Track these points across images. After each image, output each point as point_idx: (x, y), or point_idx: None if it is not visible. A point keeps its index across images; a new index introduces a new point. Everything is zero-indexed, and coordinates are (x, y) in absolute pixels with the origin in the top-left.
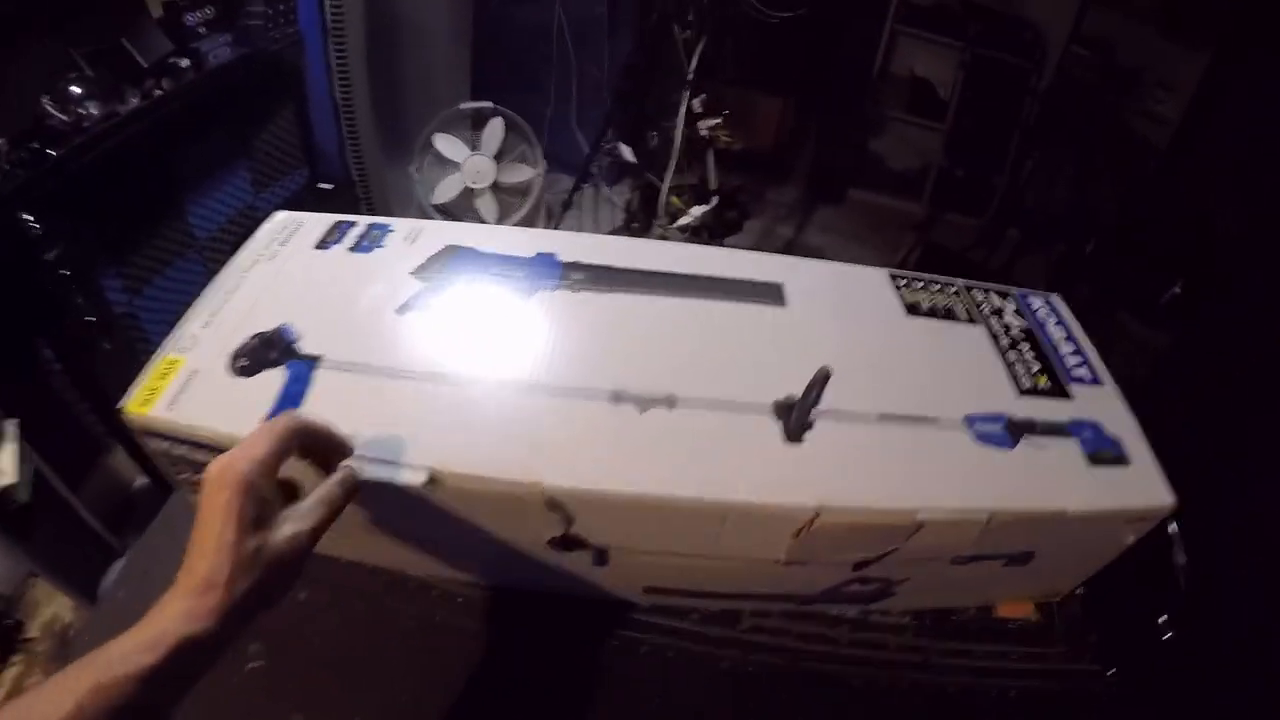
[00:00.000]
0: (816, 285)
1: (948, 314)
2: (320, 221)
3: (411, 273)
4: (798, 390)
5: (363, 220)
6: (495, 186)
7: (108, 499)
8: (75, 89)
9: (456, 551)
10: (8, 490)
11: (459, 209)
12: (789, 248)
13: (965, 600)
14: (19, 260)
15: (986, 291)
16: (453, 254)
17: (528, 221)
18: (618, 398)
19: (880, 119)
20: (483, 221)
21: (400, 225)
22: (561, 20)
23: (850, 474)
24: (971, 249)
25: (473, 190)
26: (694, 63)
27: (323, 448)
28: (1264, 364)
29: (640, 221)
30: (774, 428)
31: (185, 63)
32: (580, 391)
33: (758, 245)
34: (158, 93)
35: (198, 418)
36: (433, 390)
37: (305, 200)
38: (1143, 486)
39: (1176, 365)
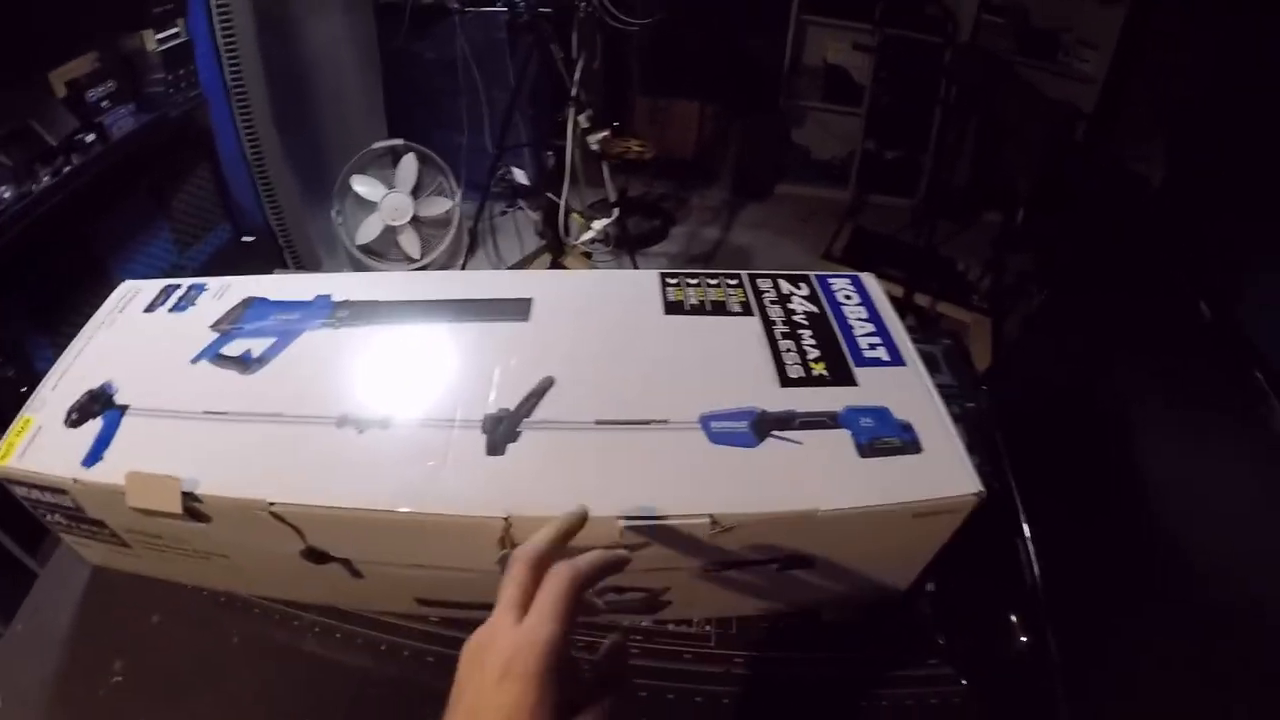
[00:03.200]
0: (571, 295)
1: (717, 308)
2: (153, 287)
3: (210, 325)
4: (514, 405)
5: (185, 282)
6: (416, 221)
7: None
8: None
9: (258, 570)
10: None
11: (383, 247)
12: (715, 250)
13: (768, 608)
14: None
15: (774, 280)
16: (246, 305)
17: (451, 250)
18: (342, 422)
19: (798, 111)
20: (409, 259)
21: (213, 283)
22: (464, 50)
23: (549, 484)
24: (903, 230)
25: (393, 228)
26: (575, 79)
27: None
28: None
29: (550, 240)
30: (480, 441)
31: (91, 137)
32: (313, 418)
33: (683, 251)
34: (68, 169)
35: (37, 464)
36: (202, 427)
37: (230, 254)
38: (935, 476)
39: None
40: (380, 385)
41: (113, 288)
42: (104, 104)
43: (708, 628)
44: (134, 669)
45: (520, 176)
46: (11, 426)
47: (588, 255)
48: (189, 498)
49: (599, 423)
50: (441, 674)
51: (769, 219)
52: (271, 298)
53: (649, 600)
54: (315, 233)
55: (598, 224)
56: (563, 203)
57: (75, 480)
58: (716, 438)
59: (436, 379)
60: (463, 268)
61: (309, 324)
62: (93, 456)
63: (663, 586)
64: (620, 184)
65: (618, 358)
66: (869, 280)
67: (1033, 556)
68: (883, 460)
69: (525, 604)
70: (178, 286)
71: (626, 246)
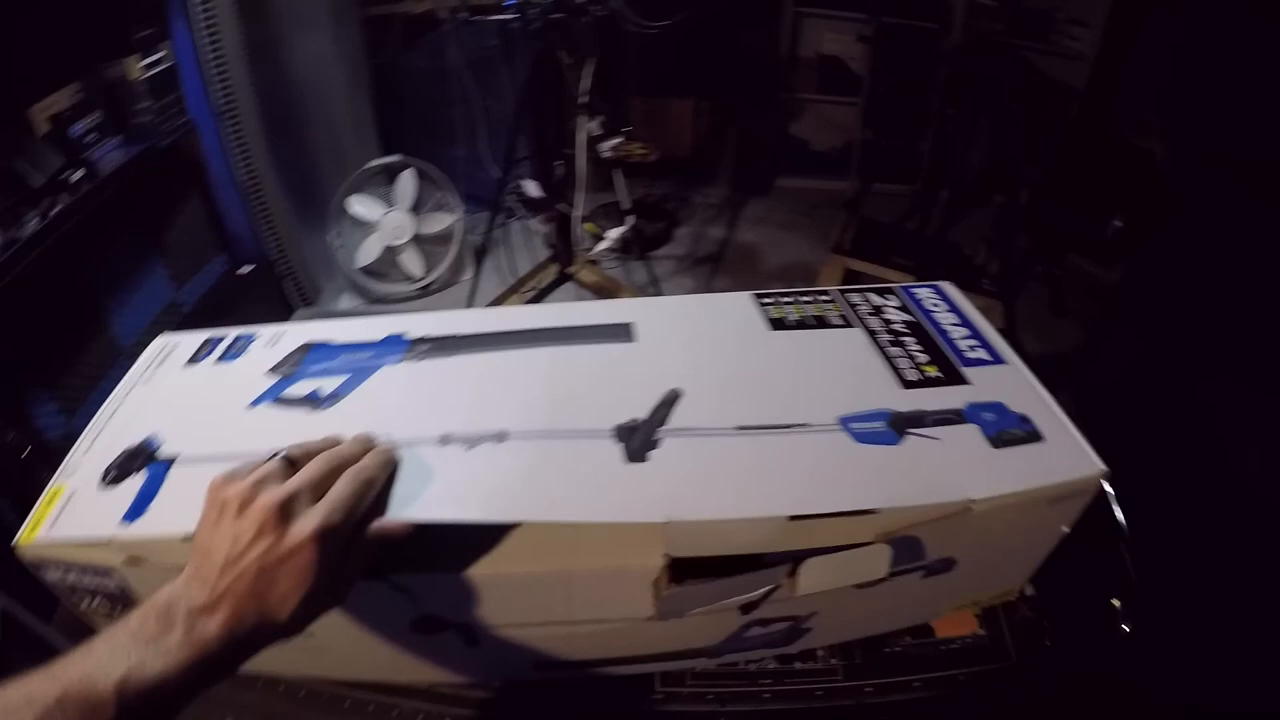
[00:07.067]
0: (671, 318)
1: (820, 323)
2: (193, 340)
3: (268, 370)
4: (643, 416)
5: (230, 332)
6: (417, 239)
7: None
8: None
9: (350, 649)
10: None
11: (385, 268)
12: (723, 249)
13: (896, 624)
14: None
15: (864, 293)
16: (306, 350)
17: (455, 267)
18: (445, 440)
19: (795, 103)
20: (411, 278)
21: (265, 331)
22: (457, 59)
23: (704, 488)
24: (907, 217)
25: (394, 247)
26: (583, 86)
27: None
28: (1216, 290)
29: (561, 251)
30: (615, 450)
31: (78, 174)
32: (409, 441)
33: (690, 252)
34: (56, 210)
35: (70, 530)
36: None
37: (228, 286)
38: (1061, 460)
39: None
40: (480, 405)
41: (109, 332)
42: (90, 137)
43: (833, 660)
44: None
45: (532, 189)
46: (41, 497)
47: (594, 263)
48: None
49: (740, 428)
50: None
51: (772, 213)
52: (335, 341)
53: (791, 631)
54: (313, 258)
55: (613, 233)
56: (576, 213)
57: (112, 539)
58: (861, 437)
59: (549, 397)
60: (474, 282)
61: (385, 360)
62: (135, 510)
63: (810, 612)
64: (628, 188)
65: (738, 370)
66: (950, 288)
67: (1127, 550)
68: (1012, 450)
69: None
70: (222, 338)
71: (638, 251)
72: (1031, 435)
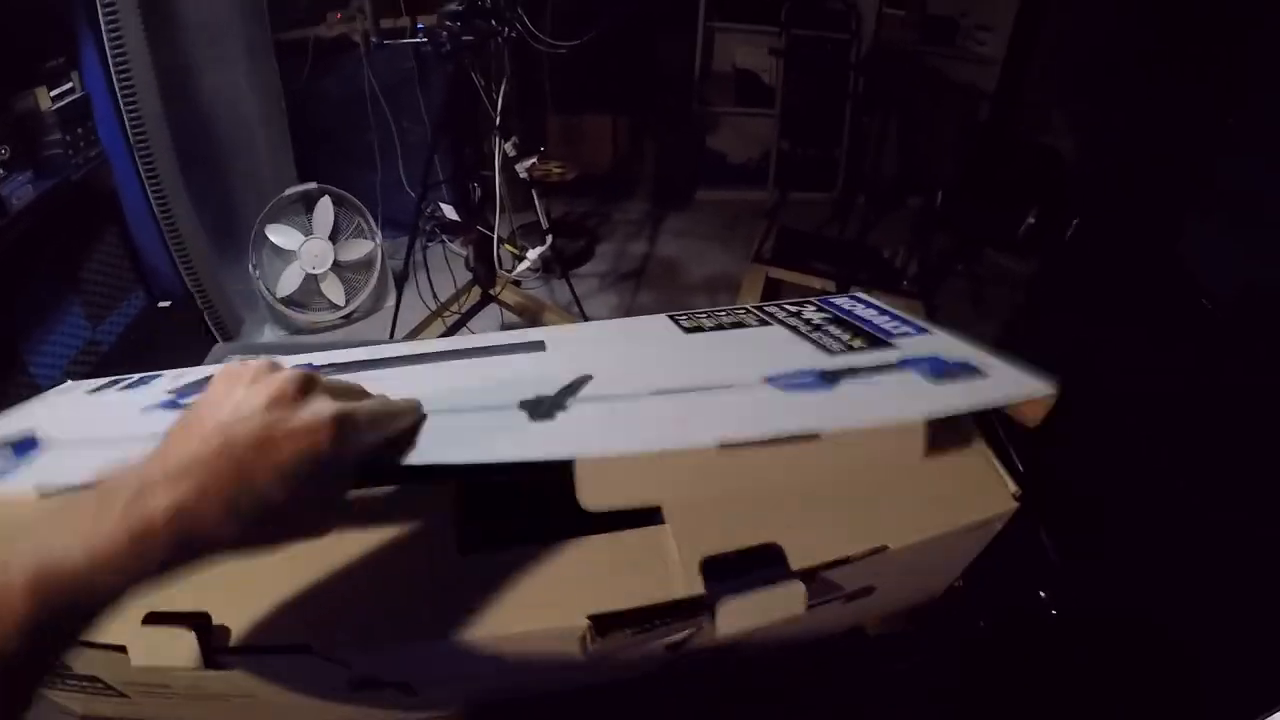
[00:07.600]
0: (582, 335)
1: (736, 325)
2: (98, 381)
3: (169, 390)
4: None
5: (135, 376)
6: (337, 266)
7: None
8: None
9: (287, 703)
10: None
11: (306, 298)
12: (645, 263)
13: (819, 636)
14: None
15: (780, 305)
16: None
17: (377, 294)
18: None
19: (711, 117)
20: (334, 306)
21: (170, 373)
22: (372, 84)
23: (619, 431)
24: (826, 224)
25: (314, 276)
26: (499, 107)
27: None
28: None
29: (482, 274)
30: (521, 416)
31: None
32: None
33: (612, 269)
34: None
35: None
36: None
37: (147, 322)
38: (1006, 385)
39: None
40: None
41: (26, 374)
42: None
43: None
44: None
45: (450, 212)
46: None
47: (516, 284)
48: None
49: (658, 391)
50: None
51: (693, 226)
52: None
53: (718, 661)
54: (233, 290)
55: (533, 253)
56: (495, 235)
57: None
58: (791, 389)
59: (457, 386)
60: (396, 309)
61: None
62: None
63: (731, 644)
64: (545, 207)
65: (653, 362)
66: (864, 295)
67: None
68: (954, 383)
69: None
70: (128, 376)
71: (560, 270)
72: (973, 371)
